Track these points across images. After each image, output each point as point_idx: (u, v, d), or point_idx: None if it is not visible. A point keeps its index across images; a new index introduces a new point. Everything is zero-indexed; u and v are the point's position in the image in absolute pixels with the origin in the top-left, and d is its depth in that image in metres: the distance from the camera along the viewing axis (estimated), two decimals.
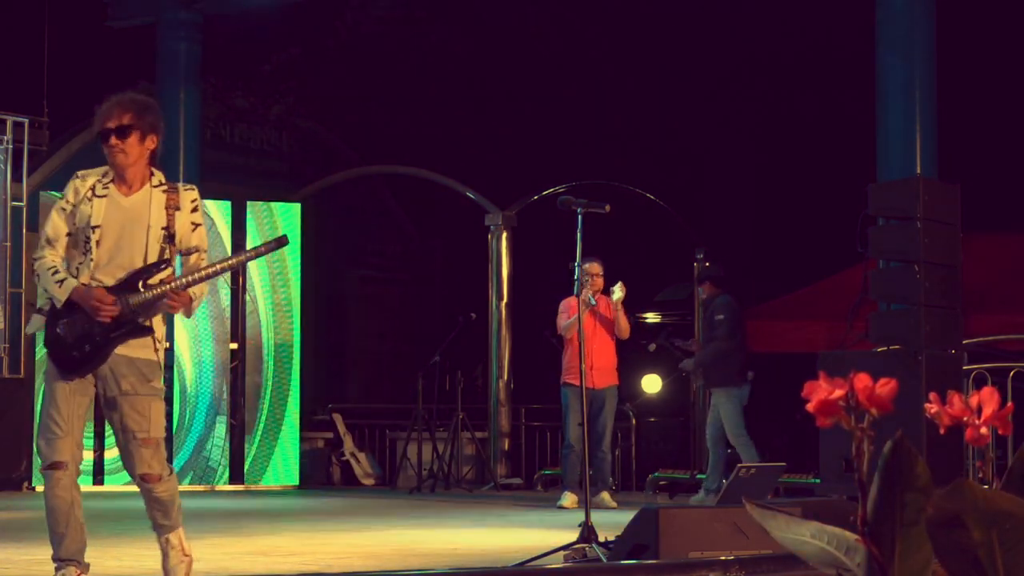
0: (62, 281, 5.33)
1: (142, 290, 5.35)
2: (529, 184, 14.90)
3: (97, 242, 5.31)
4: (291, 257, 13.49)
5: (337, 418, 14.96)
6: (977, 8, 15.41)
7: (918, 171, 10.94)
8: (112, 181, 5.40)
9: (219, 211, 13.39)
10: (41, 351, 12.60)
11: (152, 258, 5.37)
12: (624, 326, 11.16)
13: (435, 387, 13.72)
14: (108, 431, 12.79)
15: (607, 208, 7.41)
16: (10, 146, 12.73)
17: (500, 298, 14.33)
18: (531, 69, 17.80)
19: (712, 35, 17.23)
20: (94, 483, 12.78)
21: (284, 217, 13.55)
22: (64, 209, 5.37)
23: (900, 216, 9.54)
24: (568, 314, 10.99)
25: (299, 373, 13.56)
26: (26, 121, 12.86)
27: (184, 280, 5.40)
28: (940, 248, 9.44)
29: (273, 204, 13.67)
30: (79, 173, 5.45)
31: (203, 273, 5.44)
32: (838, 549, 2.06)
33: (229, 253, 13.27)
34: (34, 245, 13.77)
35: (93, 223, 5.31)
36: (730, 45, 17.29)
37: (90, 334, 5.31)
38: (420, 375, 13.78)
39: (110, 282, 5.33)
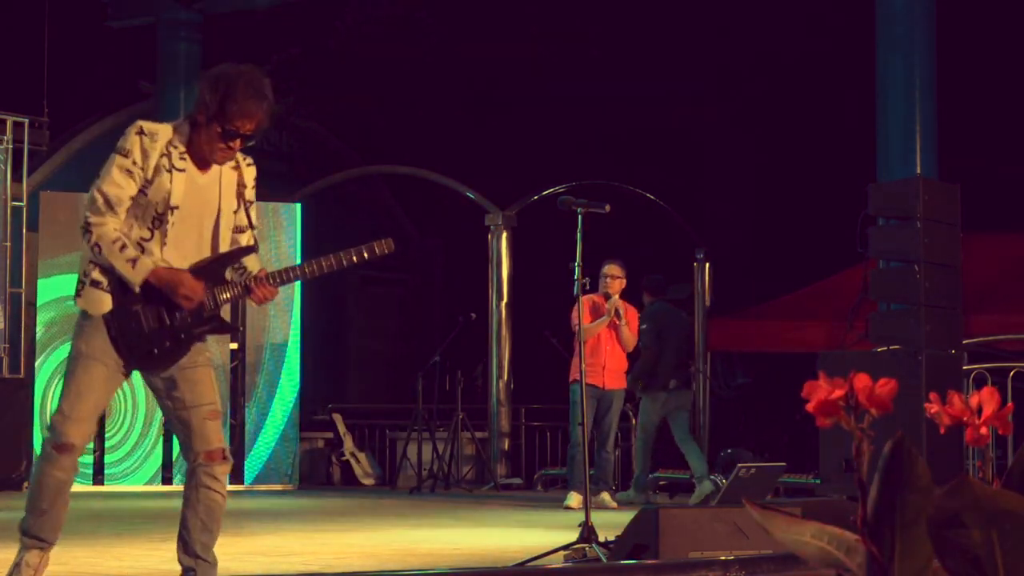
0: (134, 260, 4.63)
1: (229, 281, 4.86)
2: (529, 184, 14.90)
3: (172, 223, 4.68)
4: (291, 257, 13.48)
5: (337, 418, 14.96)
6: (977, 8, 15.41)
7: (918, 171, 10.95)
8: (187, 151, 4.72)
9: None
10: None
11: (224, 245, 4.83)
12: (627, 337, 11.08)
13: (435, 387, 13.72)
14: (109, 431, 12.79)
15: (607, 208, 7.41)
16: (10, 146, 12.72)
17: (500, 298, 14.33)
18: (531, 69, 17.80)
19: (712, 35, 17.23)
20: (94, 483, 12.78)
21: (284, 217, 13.55)
22: (130, 171, 4.64)
23: (900, 216, 9.54)
24: (588, 316, 10.97)
25: (299, 373, 13.56)
26: (26, 121, 12.86)
27: (280, 275, 4.98)
28: (940, 248, 9.44)
29: (273, 204, 13.67)
30: (145, 127, 4.71)
31: (298, 272, 5.06)
32: (838, 549, 2.06)
33: None
34: (34, 246, 13.69)
35: (173, 203, 4.67)
36: (730, 45, 17.29)
37: (172, 328, 4.73)
38: (420, 375, 13.78)
39: (183, 266, 4.74)
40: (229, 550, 7.16)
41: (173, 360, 4.75)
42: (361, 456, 14.65)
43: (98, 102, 16.45)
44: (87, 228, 4.64)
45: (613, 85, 17.79)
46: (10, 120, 12.75)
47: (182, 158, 4.70)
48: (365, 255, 5.13)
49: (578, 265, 7.55)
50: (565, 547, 6.76)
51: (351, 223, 18.83)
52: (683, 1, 16.66)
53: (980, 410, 2.16)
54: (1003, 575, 2.01)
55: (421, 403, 13.74)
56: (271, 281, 4.92)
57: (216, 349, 13.29)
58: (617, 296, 11.01)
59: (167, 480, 12.96)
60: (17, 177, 12.86)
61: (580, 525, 6.86)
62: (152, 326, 4.71)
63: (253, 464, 13.31)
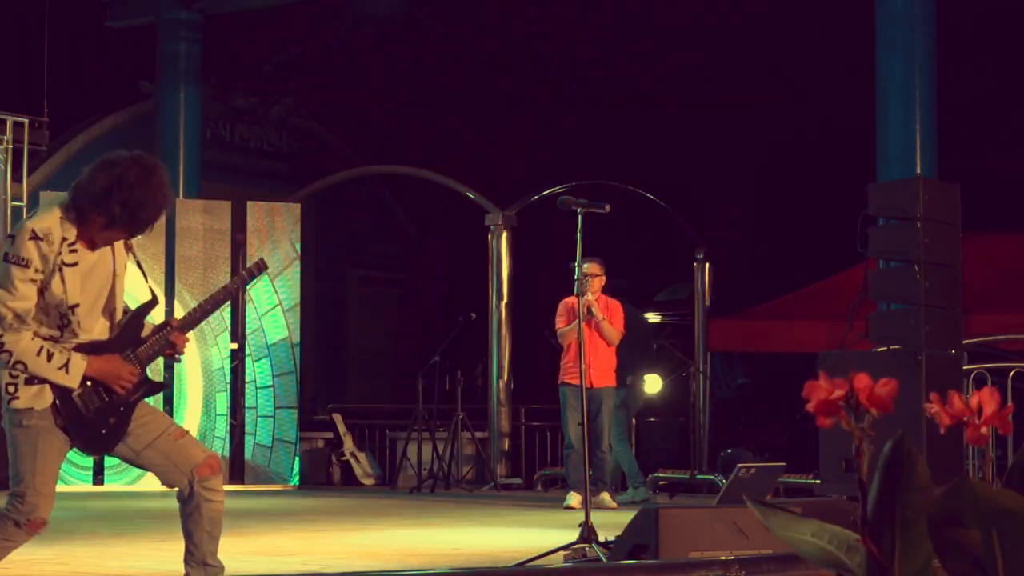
0: (66, 365, 4.58)
1: (146, 340, 4.78)
2: (529, 184, 14.90)
3: (79, 320, 4.62)
4: (291, 257, 13.49)
5: (337, 418, 14.96)
6: (977, 8, 15.41)
7: (918, 171, 10.95)
8: (77, 240, 4.60)
9: (219, 211, 13.39)
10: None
11: (120, 308, 4.77)
12: (609, 332, 11.02)
13: (435, 387, 13.72)
14: None
15: (607, 208, 7.41)
16: (10, 146, 12.72)
17: (500, 298, 14.33)
18: (531, 69, 17.80)
19: (712, 35, 17.23)
20: (94, 483, 12.78)
21: (284, 217, 13.55)
22: (33, 279, 4.52)
23: (900, 216, 9.54)
24: (566, 317, 10.99)
25: (299, 373, 13.56)
26: (26, 121, 12.86)
27: (185, 320, 4.90)
28: (940, 248, 9.44)
29: (273, 204, 13.67)
30: (37, 230, 4.53)
31: (199, 311, 4.92)
32: (838, 549, 2.06)
33: (229, 254, 13.28)
34: None
35: (71, 302, 4.60)
36: (730, 45, 17.29)
37: (112, 404, 4.68)
38: (420, 375, 13.78)
39: (102, 338, 4.71)
40: (229, 550, 7.17)
41: (121, 434, 4.70)
42: (361, 456, 14.65)
43: (98, 102, 16.46)
44: (1, 348, 4.53)
45: (613, 85, 17.79)
46: (10, 120, 12.75)
47: (72, 250, 4.58)
48: (245, 279, 5.17)
49: (578, 265, 7.56)
50: (565, 547, 6.76)
51: (351, 223, 18.84)
52: (683, 1, 16.65)
53: (980, 410, 2.16)
54: (1003, 575, 2.01)
55: (421, 403, 13.74)
56: (183, 331, 4.85)
57: (216, 350, 13.30)
58: (590, 295, 10.91)
59: None
60: (17, 177, 12.86)
61: (580, 525, 6.87)
62: (95, 407, 4.65)
63: (253, 464, 13.31)
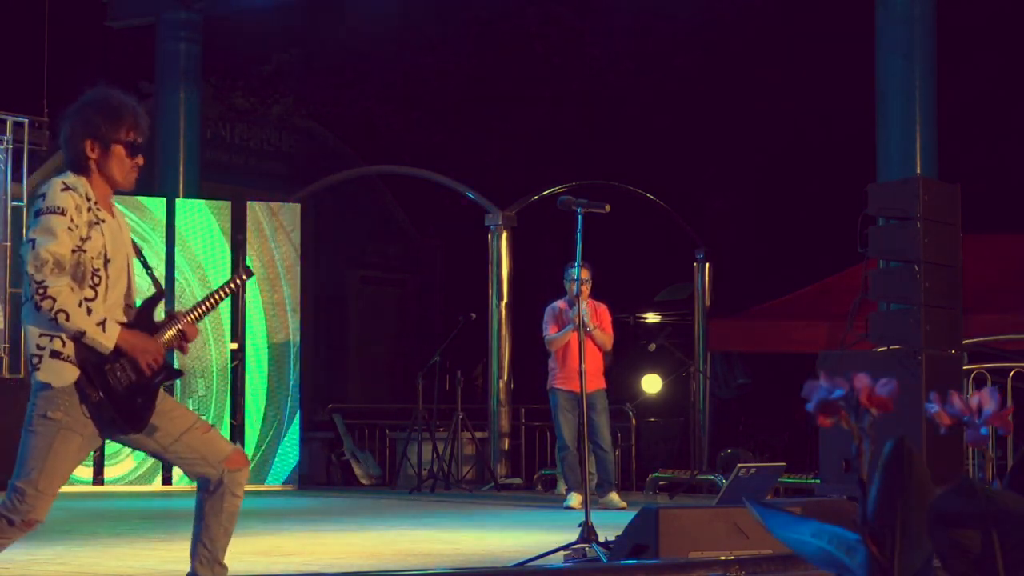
0: (103, 323, 4.47)
1: (157, 329, 4.72)
2: (529, 184, 14.90)
3: (110, 276, 4.52)
4: (291, 257, 13.49)
5: (337, 418, 14.96)
6: (977, 8, 15.41)
7: (918, 171, 10.95)
8: (97, 200, 4.57)
9: (219, 211, 13.39)
10: None
11: (135, 290, 4.71)
12: (600, 339, 10.99)
13: (435, 387, 13.71)
14: None
15: (607, 208, 7.40)
16: (10, 146, 12.72)
17: (500, 298, 14.33)
18: (531, 69, 17.80)
19: (712, 35, 17.23)
20: (94, 483, 12.78)
21: (284, 217, 13.55)
22: (71, 229, 4.44)
23: (900, 216, 9.54)
24: (555, 324, 11.02)
25: (299, 373, 13.56)
26: (26, 121, 12.86)
27: (195, 314, 4.83)
28: (940, 248, 9.44)
29: (273, 204, 13.67)
30: (67, 182, 4.50)
31: (206, 306, 4.90)
32: (838, 549, 2.06)
33: (229, 253, 13.28)
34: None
35: (109, 256, 4.52)
36: (730, 45, 17.30)
37: (140, 383, 4.57)
38: (420, 375, 13.78)
39: (118, 317, 4.60)
40: (229, 550, 7.17)
41: (149, 413, 4.60)
42: (361, 456, 14.65)
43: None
44: (44, 295, 4.42)
45: (614, 85, 17.79)
46: (10, 120, 12.75)
47: (98, 208, 4.54)
48: (233, 287, 5.12)
49: (578, 265, 7.57)
50: (565, 547, 6.77)
51: (351, 223, 18.85)
52: (683, 2, 16.66)
53: (980, 410, 2.16)
54: (1003, 575, 2.01)
55: (421, 403, 13.74)
56: (193, 319, 4.83)
57: (216, 350, 13.29)
58: (581, 304, 10.82)
59: (167, 480, 12.96)
60: (17, 177, 12.86)
61: (580, 525, 6.87)
62: (126, 383, 4.54)
63: (253, 464, 13.31)
